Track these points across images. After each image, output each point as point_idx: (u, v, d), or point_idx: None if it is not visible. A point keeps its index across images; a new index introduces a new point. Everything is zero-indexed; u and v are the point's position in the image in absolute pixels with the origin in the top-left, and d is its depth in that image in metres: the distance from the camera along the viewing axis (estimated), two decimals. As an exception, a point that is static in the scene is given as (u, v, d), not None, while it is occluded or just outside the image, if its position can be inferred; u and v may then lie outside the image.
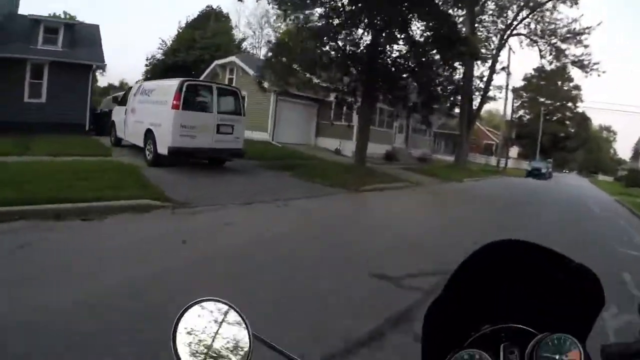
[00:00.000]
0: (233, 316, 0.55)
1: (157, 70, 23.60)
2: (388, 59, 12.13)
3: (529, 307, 0.65)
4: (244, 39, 28.73)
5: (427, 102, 12.30)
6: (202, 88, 9.13)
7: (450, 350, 0.60)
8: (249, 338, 0.54)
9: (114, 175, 6.46)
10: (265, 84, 14.32)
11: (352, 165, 12.08)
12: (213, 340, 0.53)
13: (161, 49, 24.45)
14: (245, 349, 0.53)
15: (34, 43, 13.80)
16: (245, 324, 0.54)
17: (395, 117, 18.46)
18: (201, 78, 20.51)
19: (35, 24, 13.98)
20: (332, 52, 11.65)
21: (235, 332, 0.54)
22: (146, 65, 25.74)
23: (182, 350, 0.52)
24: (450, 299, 0.67)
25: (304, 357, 0.58)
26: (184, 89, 8.12)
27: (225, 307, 0.55)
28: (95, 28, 16.28)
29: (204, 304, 0.55)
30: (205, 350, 0.53)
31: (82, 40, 14.75)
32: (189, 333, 0.53)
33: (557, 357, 0.55)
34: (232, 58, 18.19)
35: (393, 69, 12.03)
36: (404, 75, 12.24)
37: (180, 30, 25.31)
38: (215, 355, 0.53)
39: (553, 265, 0.65)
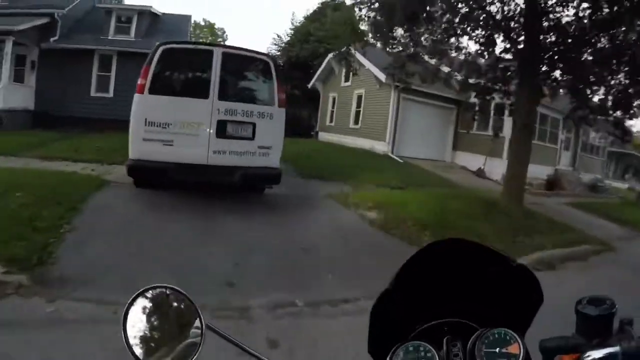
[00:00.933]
0: (186, 304, 0.62)
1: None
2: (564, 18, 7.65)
3: (472, 303, 0.79)
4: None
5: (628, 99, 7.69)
6: (193, 56, 6.02)
7: (396, 342, 0.73)
8: (201, 327, 0.61)
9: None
10: (383, 78, 12.69)
11: (498, 201, 7.87)
12: (165, 327, 0.61)
13: (276, 44, 25.62)
14: (197, 338, 0.60)
15: (105, 34, 14.59)
16: (198, 313, 0.61)
17: (565, 123, 14.94)
18: (316, 74, 20.84)
19: (107, 14, 14.96)
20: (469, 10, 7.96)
21: (188, 321, 0.61)
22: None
23: (133, 336, 0.59)
24: (395, 293, 0.77)
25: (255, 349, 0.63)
26: (157, 57, 5.32)
27: (179, 295, 0.62)
28: (184, 19, 17.00)
29: (157, 290, 0.63)
30: (157, 337, 0.60)
31: (163, 30, 15.06)
32: (140, 319, 0.61)
33: (497, 350, 0.68)
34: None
35: (571, 36, 7.64)
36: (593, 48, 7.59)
37: (297, 24, 26.18)
38: (166, 342, 0.60)
39: (494, 264, 0.78)
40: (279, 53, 25.21)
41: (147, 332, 0.60)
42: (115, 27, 15.07)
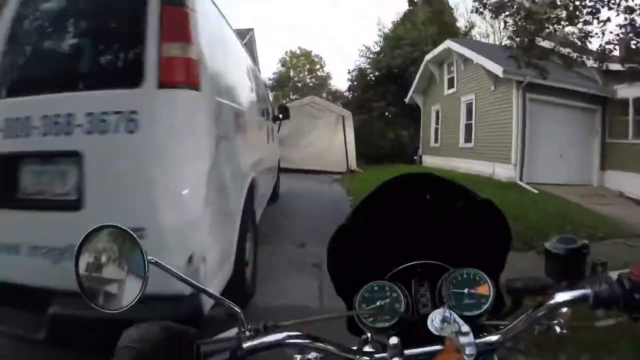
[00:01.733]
0: (131, 242, 0.69)
1: (361, 83, 23.23)
2: None
3: (443, 243, 0.85)
4: (470, 28, 25.07)
5: None
6: None
7: (363, 281, 0.79)
8: (145, 262, 0.66)
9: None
10: (499, 71, 10.30)
11: None
12: (113, 264, 0.69)
13: (364, 56, 24.13)
14: (141, 274, 0.66)
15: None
16: (141, 249, 0.67)
17: None
18: (413, 85, 18.68)
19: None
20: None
21: (133, 257, 0.68)
22: (349, 79, 26.09)
23: (83, 272, 0.68)
24: (355, 229, 0.83)
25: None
26: None
27: (125, 233, 0.68)
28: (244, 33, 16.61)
29: (105, 230, 0.69)
30: (107, 276, 0.68)
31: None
32: (90, 256, 0.69)
33: (465, 290, 0.73)
34: (446, 44, 15.02)
35: None
36: None
37: (385, 30, 24.46)
38: (115, 279, 0.68)
39: (461, 199, 0.84)
40: (368, 66, 23.68)
41: (97, 271, 0.68)
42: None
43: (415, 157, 20.99)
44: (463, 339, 0.65)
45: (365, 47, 24.33)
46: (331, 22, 68.64)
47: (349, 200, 8.77)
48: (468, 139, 14.50)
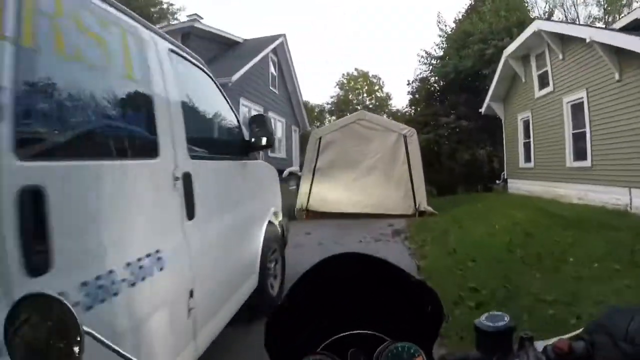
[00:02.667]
0: (66, 310, 0.64)
1: (424, 96, 19.74)
2: None
3: (379, 315, 0.89)
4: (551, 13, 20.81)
5: None
6: None
7: (299, 355, 0.80)
8: (80, 333, 0.63)
9: None
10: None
11: None
12: (45, 336, 0.65)
13: (425, 63, 20.67)
14: (76, 347, 0.63)
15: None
16: (75, 319, 0.63)
17: None
18: (490, 91, 14.99)
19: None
20: None
21: (67, 327, 0.64)
22: (409, 92, 22.62)
23: (17, 343, 0.64)
24: (293, 307, 0.85)
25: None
26: None
27: (59, 302, 0.65)
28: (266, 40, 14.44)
29: (38, 298, 0.66)
30: (39, 345, 0.65)
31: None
32: (23, 326, 0.65)
33: None
34: (535, 25, 11.29)
35: None
36: None
37: (447, 29, 20.82)
38: (47, 348, 0.64)
39: (395, 279, 0.87)
40: (431, 75, 20.17)
41: (30, 338, 0.65)
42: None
43: (497, 182, 16.95)
44: None
45: (426, 53, 20.91)
46: (387, 39, 65.83)
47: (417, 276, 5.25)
48: (581, 155, 10.29)
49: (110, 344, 0.65)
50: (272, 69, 14.77)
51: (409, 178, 10.45)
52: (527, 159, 13.94)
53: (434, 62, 20.07)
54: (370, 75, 37.77)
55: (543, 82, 12.40)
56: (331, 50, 65.24)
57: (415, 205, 10.41)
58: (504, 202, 11.73)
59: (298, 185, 10.82)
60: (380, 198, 10.26)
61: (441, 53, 19.91)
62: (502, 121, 15.83)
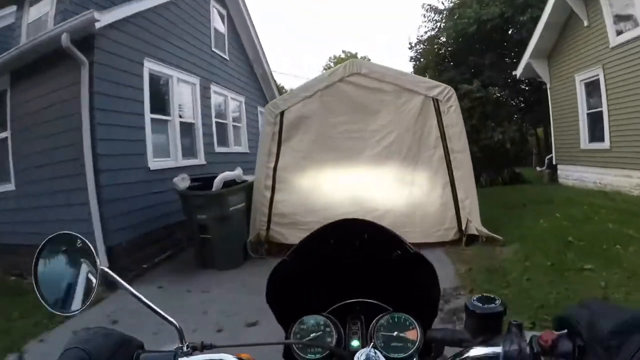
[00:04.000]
0: (85, 249, 0.76)
1: (434, 59, 14.93)
2: None
3: (380, 285, 0.92)
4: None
5: None
6: None
7: (301, 313, 0.85)
8: (97, 270, 0.73)
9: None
10: None
11: None
12: (68, 271, 0.76)
13: (431, 20, 15.74)
14: (94, 280, 0.74)
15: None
16: (94, 257, 0.74)
17: None
18: (532, 45, 10.29)
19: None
20: None
21: (87, 265, 0.76)
22: (412, 58, 17.70)
23: (41, 278, 0.74)
24: (296, 263, 0.90)
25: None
26: None
27: (80, 241, 0.76)
28: None
29: (62, 237, 0.77)
30: (62, 281, 0.75)
31: None
32: (47, 263, 0.76)
33: (394, 333, 0.80)
34: None
35: None
36: None
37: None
38: (67, 283, 0.75)
39: (396, 248, 0.89)
40: (439, 31, 15.34)
41: (54, 277, 0.75)
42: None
43: (539, 169, 12.39)
44: None
45: (430, 7, 15.99)
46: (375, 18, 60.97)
47: None
48: None
49: (121, 281, 0.73)
50: (215, 24, 9.88)
51: (446, 174, 5.75)
52: (596, 136, 9.40)
53: (441, 16, 15.23)
54: (359, 57, 33.39)
55: (624, 23, 7.86)
56: (317, 33, 60.26)
57: (460, 224, 5.74)
58: (593, 205, 7.17)
59: (249, 200, 6.02)
60: (396, 214, 5.52)
61: (450, 4, 15.07)
62: (547, 86, 11.25)
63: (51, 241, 0.76)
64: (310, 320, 0.85)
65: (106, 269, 0.71)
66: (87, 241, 0.74)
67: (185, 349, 0.69)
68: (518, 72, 11.52)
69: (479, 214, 5.76)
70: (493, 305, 0.71)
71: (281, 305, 0.90)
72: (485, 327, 0.71)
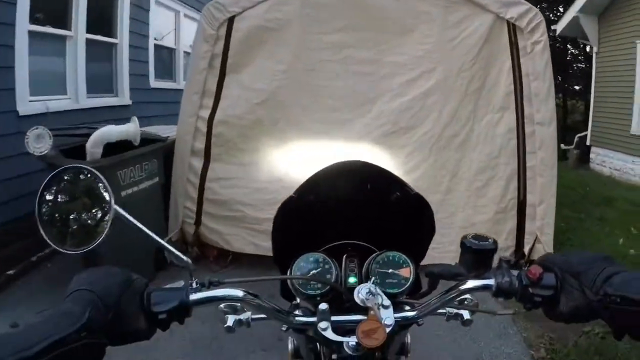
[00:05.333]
0: (98, 184, 0.69)
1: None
2: None
3: (375, 228, 0.94)
4: None
5: None
6: None
7: (300, 252, 0.84)
8: (111, 207, 0.67)
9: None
10: None
11: None
12: (78, 207, 0.70)
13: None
14: (107, 217, 0.68)
15: None
16: (109, 191, 0.68)
17: None
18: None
19: None
20: None
21: (99, 200, 0.69)
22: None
23: (46, 215, 0.68)
24: (301, 200, 0.89)
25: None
26: None
27: (93, 176, 0.69)
28: None
29: (72, 171, 0.71)
30: (70, 217, 0.70)
31: None
32: (53, 198, 0.69)
33: (389, 270, 0.81)
34: None
35: None
36: None
37: None
38: (77, 219, 0.70)
39: (396, 190, 0.91)
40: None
41: (61, 213, 0.69)
42: None
43: (564, 147, 9.94)
44: (384, 311, 0.71)
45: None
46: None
47: None
48: None
49: (132, 219, 0.68)
50: None
51: (515, 158, 3.21)
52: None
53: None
54: None
55: None
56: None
57: (521, 243, 3.28)
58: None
59: (166, 174, 3.39)
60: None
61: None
62: (594, 50, 8.76)
63: (57, 175, 0.68)
64: (310, 257, 0.84)
65: (116, 206, 0.66)
66: (99, 175, 0.68)
67: (194, 285, 0.67)
68: (559, 27, 8.94)
69: (552, 228, 3.31)
70: (486, 242, 0.76)
71: (281, 243, 0.92)
72: (479, 262, 0.74)
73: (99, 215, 0.68)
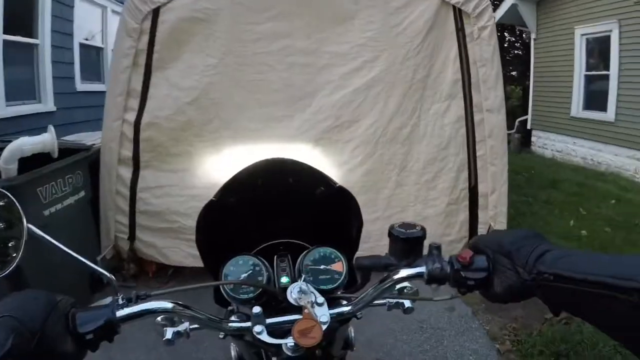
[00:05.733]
0: (9, 206, 0.66)
1: None
2: None
3: (304, 225, 0.93)
4: None
5: None
6: None
7: (229, 256, 0.83)
8: (23, 229, 0.65)
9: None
10: None
11: None
12: None
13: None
14: (20, 239, 0.66)
15: None
16: (21, 214, 0.66)
17: None
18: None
19: None
20: None
21: (10, 223, 0.67)
22: None
23: None
24: (223, 203, 0.88)
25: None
26: None
27: (4, 195, 0.66)
28: None
29: None
30: None
31: None
32: None
33: (322, 267, 0.80)
34: None
35: None
36: None
37: None
38: None
39: (320, 185, 0.91)
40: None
41: None
42: None
43: (511, 134, 10.19)
44: (318, 309, 0.70)
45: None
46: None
47: None
48: None
49: (49, 239, 0.67)
50: None
51: (465, 148, 3.11)
52: (595, 104, 7.35)
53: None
54: None
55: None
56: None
57: (474, 234, 3.18)
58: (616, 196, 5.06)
59: (93, 187, 3.03)
60: (368, 218, 2.87)
61: None
62: (532, 37, 9.00)
63: None
64: (239, 260, 0.82)
65: (31, 226, 0.65)
66: (11, 196, 0.65)
67: (120, 301, 0.64)
68: (497, 14, 9.08)
69: (506, 216, 3.24)
70: (414, 230, 0.74)
71: (207, 249, 0.91)
72: (409, 250, 0.73)
73: (13, 238, 0.66)
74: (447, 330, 2.56)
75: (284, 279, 0.79)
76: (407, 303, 0.78)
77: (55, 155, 2.68)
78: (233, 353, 0.96)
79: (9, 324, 0.53)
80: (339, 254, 0.82)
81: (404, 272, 0.70)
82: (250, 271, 0.80)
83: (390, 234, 0.75)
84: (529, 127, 9.40)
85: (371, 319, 2.33)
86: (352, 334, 0.93)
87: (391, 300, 0.78)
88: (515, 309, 2.67)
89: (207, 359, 2.24)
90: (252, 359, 0.87)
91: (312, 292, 0.72)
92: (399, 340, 2.45)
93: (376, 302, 0.76)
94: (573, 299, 0.56)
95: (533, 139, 9.29)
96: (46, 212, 2.54)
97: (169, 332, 0.72)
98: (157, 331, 0.73)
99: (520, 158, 8.33)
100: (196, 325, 0.74)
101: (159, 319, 0.71)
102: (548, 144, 8.74)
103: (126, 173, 2.99)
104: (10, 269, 0.65)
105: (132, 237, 3.07)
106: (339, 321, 0.75)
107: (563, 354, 2.27)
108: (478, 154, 3.11)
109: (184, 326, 0.72)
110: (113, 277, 0.70)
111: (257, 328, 0.70)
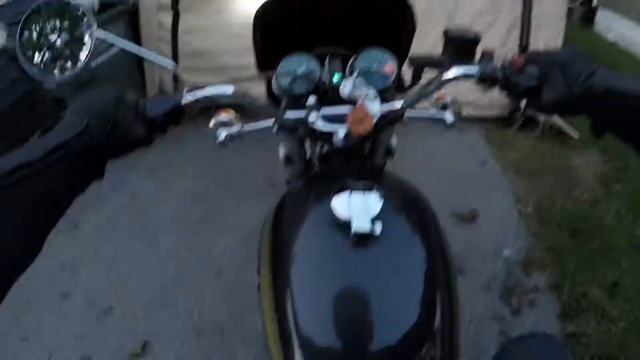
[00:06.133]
0: (76, 12, 0.69)
1: None
2: None
3: (357, 31, 0.91)
4: None
5: None
6: None
7: (284, 54, 0.83)
8: (92, 29, 0.68)
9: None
10: None
11: None
12: (60, 35, 0.69)
13: None
14: (88, 42, 0.69)
15: None
16: (87, 18, 0.69)
17: None
18: None
19: None
20: None
21: (79, 28, 0.69)
22: None
23: (26, 47, 0.67)
24: (282, 5, 0.90)
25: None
26: None
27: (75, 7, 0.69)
28: None
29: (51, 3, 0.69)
30: (51, 44, 0.69)
31: None
32: (35, 27, 0.67)
33: (374, 65, 0.80)
34: None
35: None
36: None
37: None
38: (59, 48, 0.69)
39: None
40: None
41: (42, 42, 0.66)
42: None
43: (574, 6, 9.07)
44: (370, 102, 0.70)
45: None
46: None
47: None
48: None
49: (118, 38, 0.69)
50: None
51: (519, 3, 2.84)
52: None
53: None
54: None
55: None
56: None
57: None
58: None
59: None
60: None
61: None
62: None
63: (36, 9, 0.67)
64: (295, 57, 0.82)
65: (99, 29, 0.67)
66: (82, 8, 0.66)
67: (186, 91, 0.67)
68: None
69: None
70: (470, 33, 0.74)
71: (263, 45, 0.91)
72: (462, 53, 0.72)
73: (82, 38, 0.67)
74: (475, 182, 2.63)
75: (336, 77, 0.80)
76: (449, 119, 0.78)
77: (96, 10, 2.71)
78: (281, 152, 0.99)
79: (84, 110, 0.57)
80: (391, 56, 0.81)
81: (455, 71, 0.68)
82: (305, 68, 0.80)
83: (445, 35, 0.74)
84: (594, 3, 8.43)
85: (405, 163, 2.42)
86: (395, 143, 0.95)
87: (435, 114, 0.78)
88: (546, 178, 2.71)
89: (252, 182, 2.45)
90: (299, 155, 0.91)
91: (364, 87, 0.72)
92: (432, 192, 2.54)
93: (422, 114, 0.77)
94: (620, 118, 0.55)
95: (598, 17, 8.37)
96: (93, 64, 2.63)
97: (222, 135, 0.74)
98: (211, 134, 0.75)
99: (580, 35, 7.63)
100: (250, 129, 0.76)
101: (212, 123, 0.75)
102: (614, 25, 7.88)
103: (167, 19, 2.98)
104: (82, 64, 0.69)
105: (175, 79, 3.18)
106: (388, 121, 0.75)
107: (580, 232, 2.28)
108: (534, 12, 2.87)
109: (237, 127, 0.74)
110: (175, 64, 0.74)
111: (312, 116, 0.72)
